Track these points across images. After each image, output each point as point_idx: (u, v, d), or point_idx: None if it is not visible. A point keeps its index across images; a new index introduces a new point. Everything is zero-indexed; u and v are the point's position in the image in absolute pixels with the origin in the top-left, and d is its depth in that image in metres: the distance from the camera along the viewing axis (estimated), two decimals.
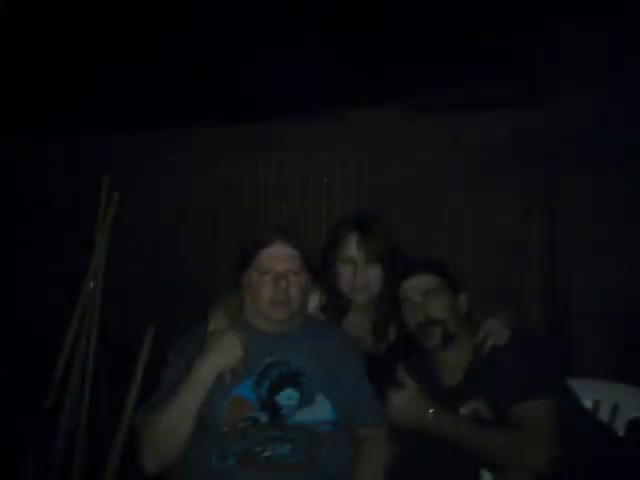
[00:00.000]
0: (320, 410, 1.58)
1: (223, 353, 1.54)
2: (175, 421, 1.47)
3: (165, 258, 3.61)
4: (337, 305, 1.95)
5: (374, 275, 1.89)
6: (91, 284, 2.74)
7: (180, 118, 4.10)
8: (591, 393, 1.86)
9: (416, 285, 1.75)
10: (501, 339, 1.67)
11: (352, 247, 1.89)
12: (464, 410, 1.67)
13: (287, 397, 1.58)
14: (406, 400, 1.61)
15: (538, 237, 2.91)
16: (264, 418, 1.55)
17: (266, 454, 1.48)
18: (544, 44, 4.04)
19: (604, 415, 1.82)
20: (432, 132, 3.15)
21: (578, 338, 2.76)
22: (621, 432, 1.77)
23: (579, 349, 2.74)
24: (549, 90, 3.37)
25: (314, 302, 1.92)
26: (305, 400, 1.59)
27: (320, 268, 1.94)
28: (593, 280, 2.74)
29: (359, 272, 1.88)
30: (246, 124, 3.69)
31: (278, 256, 1.70)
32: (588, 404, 1.82)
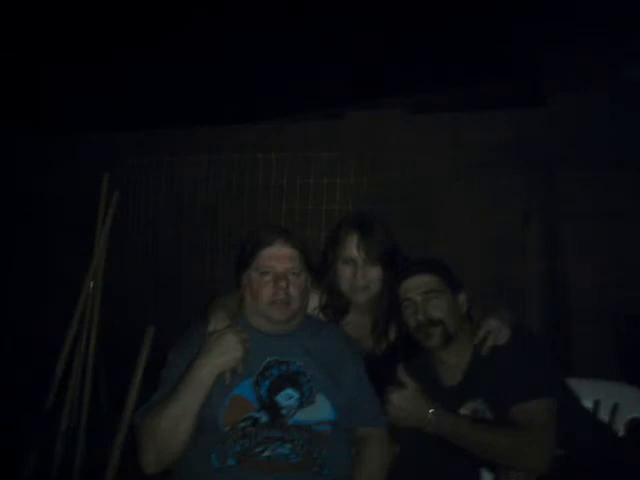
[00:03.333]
0: (320, 410, 1.58)
1: (223, 353, 1.54)
2: (175, 421, 1.47)
3: (165, 258, 3.61)
4: (337, 305, 1.95)
5: (374, 275, 1.89)
6: (91, 284, 2.74)
7: (180, 118, 4.12)
8: (591, 393, 1.86)
9: (416, 285, 1.75)
10: (501, 339, 1.67)
11: (352, 247, 1.89)
12: (464, 410, 1.67)
13: (287, 397, 1.58)
14: (406, 400, 1.61)
15: (538, 237, 2.91)
16: (264, 418, 1.54)
17: (266, 454, 1.48)
18: (544, 44, 4.05)
19: (604, 415, 1.82)
20: (432, 132, 3.15)
21: (578, 338, 2.76)
22: (621, 432, 1.78)
23: (579, 349, 2.74)
24: (549, 90, 3.38)
25: (314, 302, 1.92)
26: (305, 400, 1.58)
27: (320, 268, 1.94)
28: (593, 280, 2.74)
29: (359, 272, 1.88)
30: (246, 124, 3.70)
31: (278, 256, 1.70)
32: (588, 404, 1.83)
